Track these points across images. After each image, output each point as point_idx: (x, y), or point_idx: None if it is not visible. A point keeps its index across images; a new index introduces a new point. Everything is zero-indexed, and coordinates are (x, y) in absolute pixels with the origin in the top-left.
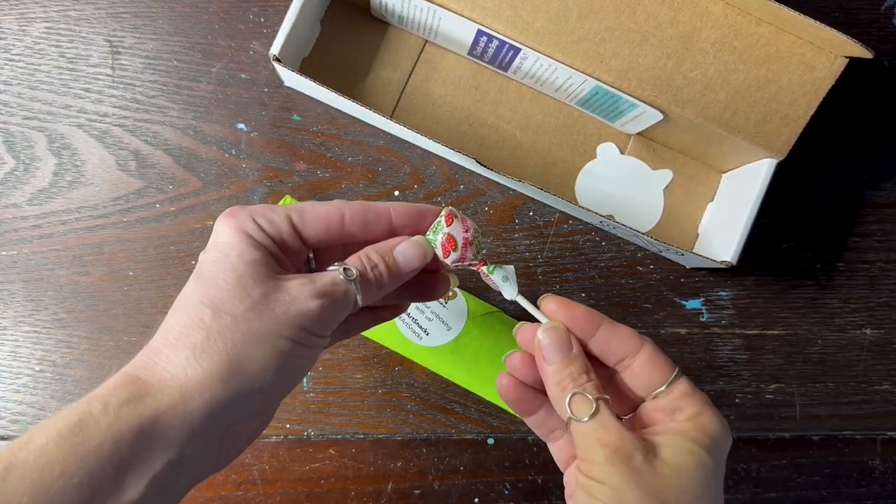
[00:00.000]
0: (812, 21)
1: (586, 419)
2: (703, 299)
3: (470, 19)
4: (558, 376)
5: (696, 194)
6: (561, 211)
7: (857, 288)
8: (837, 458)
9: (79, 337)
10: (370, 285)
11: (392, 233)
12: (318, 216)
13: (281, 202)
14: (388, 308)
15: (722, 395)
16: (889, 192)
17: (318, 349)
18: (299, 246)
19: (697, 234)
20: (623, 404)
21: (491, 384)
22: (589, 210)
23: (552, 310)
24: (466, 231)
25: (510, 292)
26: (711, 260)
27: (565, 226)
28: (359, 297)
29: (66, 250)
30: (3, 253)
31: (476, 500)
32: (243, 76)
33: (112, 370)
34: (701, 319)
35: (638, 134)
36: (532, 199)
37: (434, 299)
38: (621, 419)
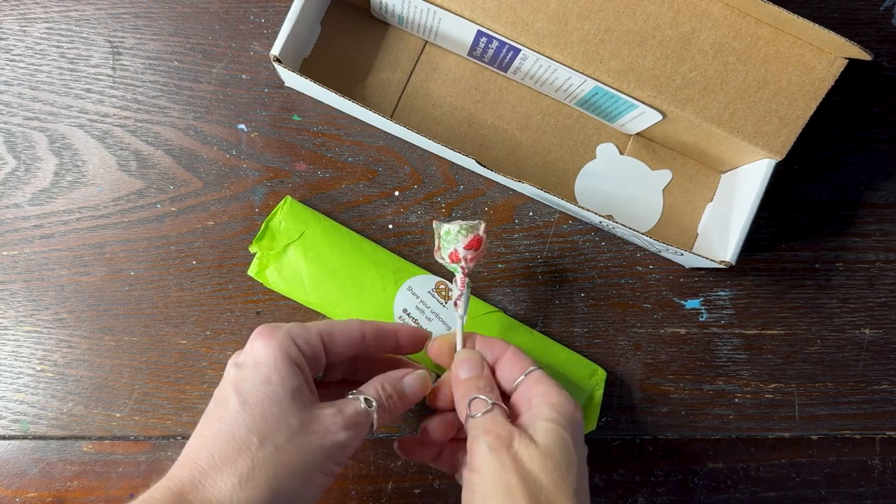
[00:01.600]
0: (811, 24)
1: (479, 415)
2: (702, 299)
3: (470, 20)
4: (466, 387)
5: (695, 194)
6: (561, 211)
7: (856, 288)
8: (836, 458)
9: (80, 337)
10: (385, 413)
11: (397, 349)
12: (344, 336)
13: (281, 202)
14: None
15: (721, 395)
16: (888, 193)
17: (336, 473)
18: (323, 363)
19: (697, 235)
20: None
21: None
22: (588, 210)
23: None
24: (471, 262)
25: (462, 310)
26: (710, 260)
27: (565, 226)
28: (375, 424)
29: (67, 250)
30: (5, 253)
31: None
32: (244, 77)
33: (113, 370)
34: (700, 319)
35: (637, 134)
36: (532, 199)
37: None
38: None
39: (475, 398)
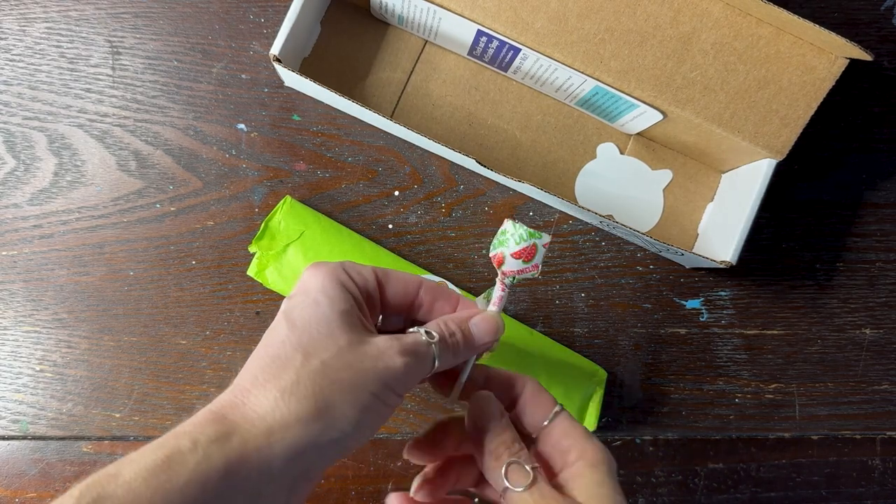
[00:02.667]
0: (811, 24)
1: (521, 490)
2: (702, 299)
3: (470, 20)
4: (492, 444)
5: (695, 194)
6: (561, 211)
7: (857, 288)
8: (837, 458)
9: (79, 337)
10: (447, 351)
11: (453, 307)
12: (399, 279)
13: (281, 202)
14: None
15: (721, 395)
16: (889, 193)
17: (394, 408)
18: (378, 303)
19: (697, 234)
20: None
21: None
22: (589, 210)
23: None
24: (512, 273)
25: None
26: (711, 260)
27: (565, 226)
28: (437, 361)
29: (67, 250)
30: (4, 253)
31: (476, 500)
32: (243, 76)
33: (112, 370)
34: (700, 319)
35: (638, 134)
36: (532, 199)
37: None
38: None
39: (512, 463)
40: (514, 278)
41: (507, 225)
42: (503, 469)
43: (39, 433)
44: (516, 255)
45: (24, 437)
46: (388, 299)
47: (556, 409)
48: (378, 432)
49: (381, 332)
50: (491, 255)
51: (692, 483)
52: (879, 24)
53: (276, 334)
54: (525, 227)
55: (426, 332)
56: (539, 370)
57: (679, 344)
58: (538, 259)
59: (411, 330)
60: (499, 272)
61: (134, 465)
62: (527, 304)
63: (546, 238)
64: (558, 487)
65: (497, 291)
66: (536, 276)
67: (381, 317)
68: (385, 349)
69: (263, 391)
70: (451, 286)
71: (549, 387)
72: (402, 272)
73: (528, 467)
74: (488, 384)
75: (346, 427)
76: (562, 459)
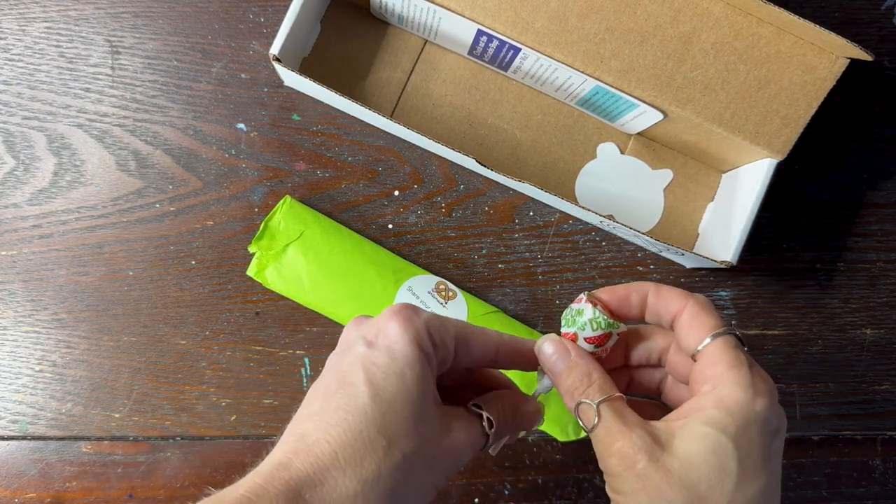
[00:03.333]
0: (812, 24)
1: (592, 428)
2: None
3: (470, 19)
4: (564, 386)
5: (696, 194)
6: (561, 211)
7: (858, 288)
8: (838, 458)
9: (78, 337)
10: (499, 439)
11: (526, 367)
12: (480, 346)
13: (280, 202)
14: None
15: None
16: (889, 193)
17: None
18: (448, 366)
19: (697, 234)
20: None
21: None
22: (589, 210)
23: (599, 300)
24: (606, 351)
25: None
26: (711, 260)
27: (565, 226)
28: (490, 448)
29: (66, 250)
30: (3, 253)
31: (476, 500)
32: (243, 76)
33: (111, 370)
34: None
35: (638, 134)
36: (532, 198)
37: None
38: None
39: (581, 403)
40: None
41: (587, 309)
42: (574, 408)
43: (39, 433)
44: (590, 341)
45: (24, 438)
46: (459, 364)
47: (715, 332)
48: None
49: None
50: (563, 332)
51: None
52: (880, 24)
53: (358, 401)
54: (605, 316)
55: (488, 421)
56: (539, 370)
57: None
58: (609, 345)
59: (474, 407)
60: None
61: None
62: (527, 304)
63: (623, 328)
64: (671, 426)
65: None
66: (602, 356)
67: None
68: (460, 445)
69: (344, 477)
70: (450, 285)
71: (548, 394)
72: (483, 333)
73: (593, 403)
74: (640, 304)
75: None
76: (699, 390)
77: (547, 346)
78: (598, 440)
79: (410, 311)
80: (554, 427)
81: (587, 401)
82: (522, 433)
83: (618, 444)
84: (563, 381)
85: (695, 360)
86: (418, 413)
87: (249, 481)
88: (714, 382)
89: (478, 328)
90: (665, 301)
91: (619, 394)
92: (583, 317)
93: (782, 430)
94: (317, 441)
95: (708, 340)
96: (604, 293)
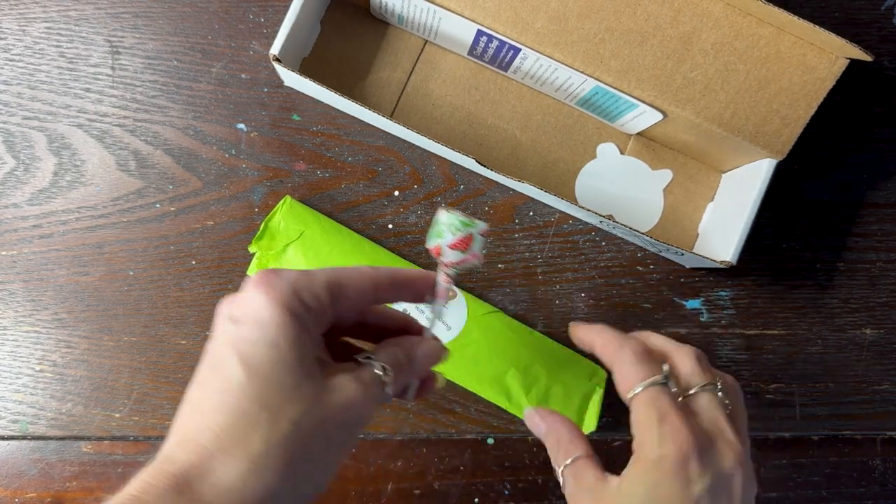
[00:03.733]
0: (811, 25)
1: (563, 489)
2: (702, 299)
3: (470, 20)
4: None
5: (695, 194)
6: (561, 211)
7: (857, 288)
8: (837, 458)
9: (79, 337)
10: (398, 384)
11: (415, 298)
12: (355, 289)
13: (280, 202)
14: None
15: None
16: (889, 192)
17: (352, 449)
18: (329, 319)
19: (697, 234)
20: None
21: (491, 384)
22: (589, 210)
23: (577, 338)
24: (453, 264)
25: (437, 313)
26: (711, 260)
27: (565, 226)
28: (391, 395)
29: (66, 250)
30: (3, 253)
31: (476, 500)
32: (243, 76)
33: (112, 370)
34: (701, 319)
35: (638, 134)
36: (532, 199)
37: (420, 397)
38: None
39: (562, 467)
40: (456, 270)
41: (442, 215)
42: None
43: (39, 433)
44: (455, 247)
45: (24, 437)
46: (340, 312)
47: (636, 390)
48: (378, 432)
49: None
50: (428, 247)
51: None
52: (880, 24)
53: (232, 380)
54: (459, 217)
55: (383, 369)
56: (539, 370)
57: None
58: (476, 248)
59: (363, 359)
60: (439, 263)
61: None
62: (527, 304)
63: (482, 226)
64: (619, 477)
65: (441, 284)
66: (478, 265)
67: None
68: (349, 399)
69: (232, 459)
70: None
71: (548, 387)
72: (355, 273)
73: (568, 461)
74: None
75: (320, 486)
76: (634, 446)
77: (531, 419)
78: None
79: (271, 276)
80: None
81: (557, 467)
82: (442, 386)
83: (578, 479)
84: (546, 444)
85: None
86: (298, 378)
87: (138, 480)
88: (637, 440)
89: (349, 268)
90: (603, 351)
91: (579, 453)
92: (438, 225)
93: (708, 475)
94: (198, 429)
95: (633, 393)
96: (574, 329)
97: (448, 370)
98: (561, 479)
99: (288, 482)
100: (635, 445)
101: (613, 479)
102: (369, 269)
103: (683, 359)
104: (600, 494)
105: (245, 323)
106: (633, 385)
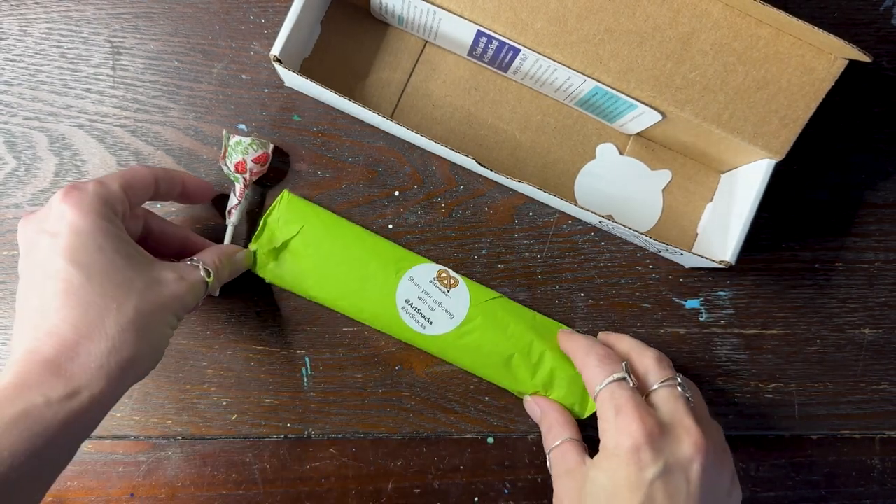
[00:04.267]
0: (810, 26)
1: (551, 450)
2: (701, 299)
3: (469, 20)
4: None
5: (695, 194)
6: (560, 211)
7: (856, 288)
8: (836, 458)
9: None
10: (218, 283)
11: (186, 196)
12: (141, 184)
13: (278, 198)
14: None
15: (720, 395)
16: (888, 193)
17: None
18: (128, 213)
19: (696, 234)
20: None
21: (496, 370)
22: (588, 210)
23: (561, 347)
24: (255, 175)
25: (235, 219)
26: (710, 260)
27: (565, 226)
28: (211, 289)
29: None
30: (4, 253)
31: (476, 499)
32: (244, 77)
33: None
34: (700, 319)
35: (637, 134)
36: (532, 199)
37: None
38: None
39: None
40: (253, 180)
41: (236, 137)
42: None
43: None
44: (257, 160)
45: None
46: (133, 205)
47: (599, 387)
48: (378, 432)
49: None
50: (231, 163)
51: None
52: (879, 25)
53: (73, 281)
54: (255, 139)
55: (205, 271)
56: (544, 354)
57: (678, 344)
58: (269, 160)
59: (190, 262)
60: (241, 178)
61: None
62: (527, 304)
63: (271, 145)
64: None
65: (237, 196)
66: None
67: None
68: (176, 291)
69: (93, 342)
70: (452, 273)
71: (552, 370)
72: (139, 173)
73: (556, 442)
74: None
75: (152, 358)
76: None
77: (529, 406)
78: (551, 459)
79: (75, 191)
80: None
81: (546, 450)
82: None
83: (554, 484)
84: (541, 427)
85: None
86: (132, 272)
87: (8, 373)
88: (600, 432)
89: (132, 169)
90: (573, 357)
91: (566, 436)
92: (243, 145)
93: (662, 460)
94: (54, 325)
95: (599, 387)
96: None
97: (452, 356)
98: (548, 461)
99: (140, 354)
100: (600, 436)
101: (588, 464)
102: (147, 169)
103: (644, 359)
104: (575, 476)
105: (65, 234)
106: (597, 383)
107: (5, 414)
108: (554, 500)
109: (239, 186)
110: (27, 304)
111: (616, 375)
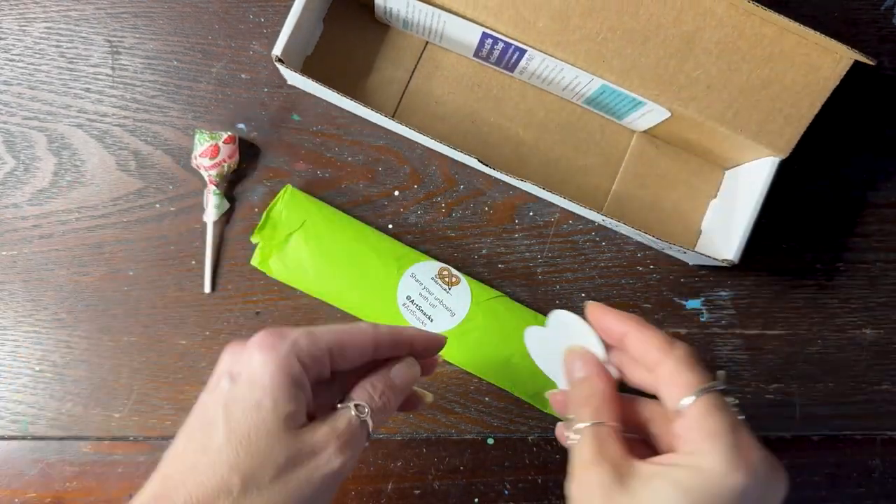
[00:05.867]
0: (812, 32)
1: (568, 443)
2: (702, 299)
3: (471, 20)
4: (570, 397)
5: (698, 191)
6: (561, 211)
7: (857, 288)
8: (837, 459)
9: (79, 337)
10: (381, 414)
11: (410, 355)
12: (356, 349)
13: (282, 191)
14: None
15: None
16: (889, 193)
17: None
18: (327, 376)
19: (700, 232)
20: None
21: (496, 369)
22: (591, 209)
23: (588, 314)
24: (226, 159)
25: (209, 218)
26: (713, 258)
27: (565, 226)
28: (371, 430)
29: (66, 250)
30: (3, 253)
31: (476, 500)
32: (243, 76)
33: (112, 370)
34: (701, 319)
35: (642, 131)
36: (532, 199)
37: (409, 411)
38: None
39: (569, 418)
40: (217, 174)
41: (199, 134)
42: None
43: (39, 433)
44: (203, 154)
45: (24, 438)
46: (338, 369)
47: (696, 390)
48: (378, 432)
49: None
50: (192, 161)
51: None
52: (879, 24)
53: (214, 441)
54: (203, 132)
55: (356, 408)
56: None
57: None
58: (224, 152)
59: (340, 406)
60: (203, 174)
61: None
62: (527, 304)
63: (228, 135)
64: (643, 467)
65: (208, 193)
66: (233, 165)
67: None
68: (324, 454)
69: None
70: (453, 271)
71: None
72: (357, 334)
73: (579, 425)
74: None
75: None
76: (681, 445)
77: (568, 357)
78: (571, 461)
79: (275, 338)
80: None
81: (572, 417)
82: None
83: (581, 473)
84: (572, 392)
85: (679, 416)
86: (276, 440)
87: (143, 494)
88: (694, 446)
89: (351, 329)
90: (645, 349)
91: (612, 423)
92: (196, 140)
93: (771, 499)
94: (175, 485)
95: (691, 399)
96: (596, 310)
97: (452, 355)
98: (574, 437)
99: None
100: (688, 450)
101: (643, 467)
102: (371, 332)
103: (684, 363)
104: (619, 472)
105: (241, 383)
106: (691, 389)
107: None
108: (575, 489)
109: (208, 180)
110: (178, 442)
111: (715, 383)
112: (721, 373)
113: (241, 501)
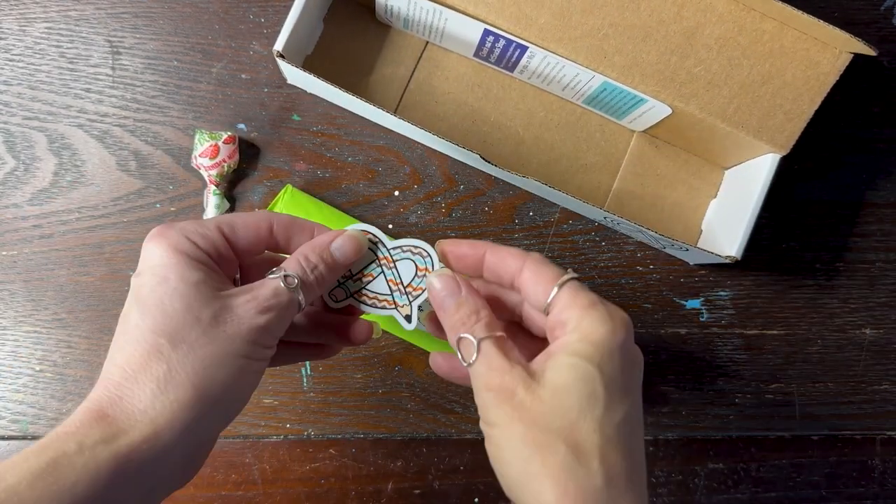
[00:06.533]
0: (815, 20)
1: (472, 361)
2: (702, 299)
3: (473, 16)
4: (450, 321)
5: (699, 190)
6: (561, 211)
7: (857, 288)
8: (837, 458)
9: (79, 337)
10: (312, 287)
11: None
12: (248, 226)
13: (282, 191)
14: (319, 350)
15: (721, 395)
16: (889, 193)
17: (269, 358)
18: (232, 257)
19: (701, 231)
20: (536, 331)
21: None
22: (593, 206)
23: (442, 253)
24: (226, 159)
25: (211, 215)
26: (716, 255)
27: (565, 226)
28: (302, 300)
29: (67, 250)
30: (4, 253)
31: (476, 500)
32: (243, 76)
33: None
34: (701, 319)
35: (642, 131)
36: (532, 199)
37: (357, 344)
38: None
39: (461, 338)
40: (218, 174)
41: (199, 134)
42: (455, 342)
43: (39, 433)
44: (203, 154)
45: (24, 437)
46: (240, 249)
47: (560, 281)
48: (378, 432)
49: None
50: (192, 161)
51: (692, 483)
52: (879, 25)
53: (130, 319)
54: (203, 132)
55: (285, 277)
56: None
57: (679, 344)
58: (224, 152)
59: (270, 275)
60: (203, 174)
61: (17, 470)
62: None
63: (229, 135)
64: (540, 362)
65: (208, 193)
66: (233, 165)
67: (238, 271)
68: (245, 312)
69: (137, 384)
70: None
71: None
72: (250, 216)
73: (474, 339)
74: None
75: (229, 394)
76: (561, 331)
77: (436, 282)
78: (477, 375)
79: (162, 228)
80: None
81: (468, 336)
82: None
83: (496, 379)
84: (449, 317)
85: (548, 313)
86: (193, 302)
87: (64, 422)
88: (574, 322)
89: (246, 213)
90: (503, 261)
91: (501, 333)
92: (196, 140)
93: (639, 361)
94: (107, 369)
95: (555, 290)
96: (448, 244)
97: (445, 346)
98: (471, 357)
99: (194, 397)
100: (572, 327)
101: (544, 357)
102: (266, 213)
103: (541, 261)
104: (533, 370)
105: (143, 273)
106: (556, 279)
107: (30, 464)
108: (493, 398)
109: (207, 181)
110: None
111: (573, 274)
112: (571, 269)
113: (174, 357)
